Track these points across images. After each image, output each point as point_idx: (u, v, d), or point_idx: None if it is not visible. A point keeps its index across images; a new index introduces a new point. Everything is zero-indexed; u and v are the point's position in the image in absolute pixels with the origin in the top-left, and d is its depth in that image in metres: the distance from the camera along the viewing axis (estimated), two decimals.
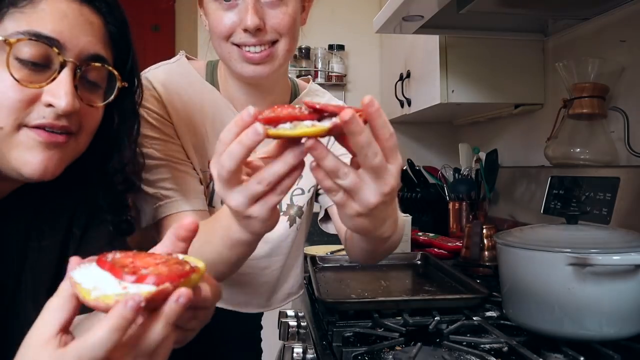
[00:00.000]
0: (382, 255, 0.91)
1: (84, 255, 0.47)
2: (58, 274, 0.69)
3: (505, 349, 0.84)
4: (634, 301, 0.77)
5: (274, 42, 0.83)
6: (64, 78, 0.60)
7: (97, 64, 0.63)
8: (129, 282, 0.42)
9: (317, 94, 1.07)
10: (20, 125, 0.60)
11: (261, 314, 1.26)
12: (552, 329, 0.81)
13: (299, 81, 1.08)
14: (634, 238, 0.81)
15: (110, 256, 0.46)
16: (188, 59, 0.97)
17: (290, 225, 0.98)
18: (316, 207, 1.10)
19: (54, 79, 0.60)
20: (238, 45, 0.82)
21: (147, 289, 0.41)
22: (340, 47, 2.40)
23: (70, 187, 0.71)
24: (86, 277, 0.43)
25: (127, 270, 0.43)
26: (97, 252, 0.47)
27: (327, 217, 1.07)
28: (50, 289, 0.48)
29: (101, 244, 0.72)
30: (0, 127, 0.59)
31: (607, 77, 1.29)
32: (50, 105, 0.59)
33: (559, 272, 0.78)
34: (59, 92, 0.59)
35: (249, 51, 0.82)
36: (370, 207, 0.54)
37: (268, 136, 0.50)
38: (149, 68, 0.92)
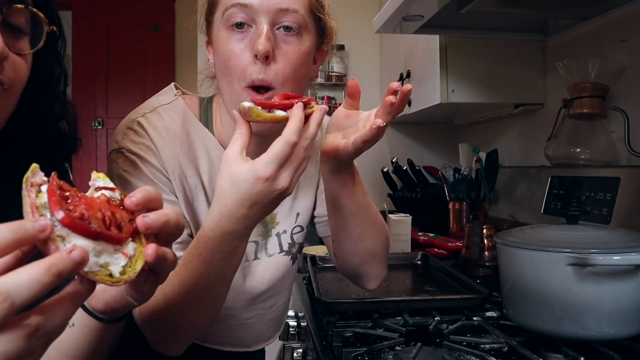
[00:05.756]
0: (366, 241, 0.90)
1: None
2: None
3: (505, 349, 0.84)
4: (634, 301, 0.77)
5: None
6: None
7: (19, 6, 0.54)
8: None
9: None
10: None
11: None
12: (552, 329, 0.81)
13: None
14: (634, 238, 0.81)
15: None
16: (181, 92, 0.90)
17: (293, 263, 0.99)
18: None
19: None
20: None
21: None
22: (340, 47, 2.40)
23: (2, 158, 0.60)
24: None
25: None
26: None
27: None
28: None
29: None
30: None
31: (607, 77, 1.29)
32: None
33: (559, 272, 0.78)
34: None
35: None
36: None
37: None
38: (141, 107, 0.86)
